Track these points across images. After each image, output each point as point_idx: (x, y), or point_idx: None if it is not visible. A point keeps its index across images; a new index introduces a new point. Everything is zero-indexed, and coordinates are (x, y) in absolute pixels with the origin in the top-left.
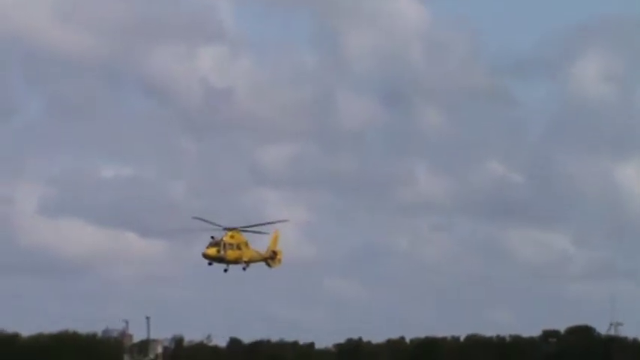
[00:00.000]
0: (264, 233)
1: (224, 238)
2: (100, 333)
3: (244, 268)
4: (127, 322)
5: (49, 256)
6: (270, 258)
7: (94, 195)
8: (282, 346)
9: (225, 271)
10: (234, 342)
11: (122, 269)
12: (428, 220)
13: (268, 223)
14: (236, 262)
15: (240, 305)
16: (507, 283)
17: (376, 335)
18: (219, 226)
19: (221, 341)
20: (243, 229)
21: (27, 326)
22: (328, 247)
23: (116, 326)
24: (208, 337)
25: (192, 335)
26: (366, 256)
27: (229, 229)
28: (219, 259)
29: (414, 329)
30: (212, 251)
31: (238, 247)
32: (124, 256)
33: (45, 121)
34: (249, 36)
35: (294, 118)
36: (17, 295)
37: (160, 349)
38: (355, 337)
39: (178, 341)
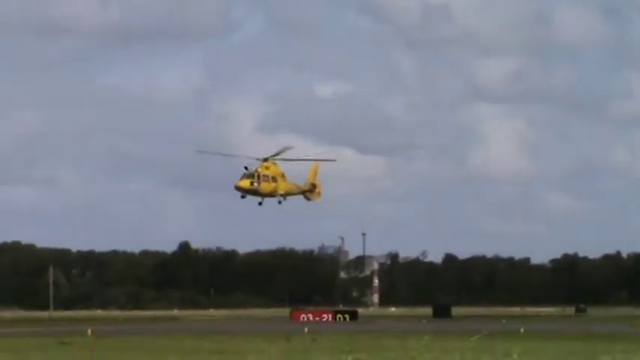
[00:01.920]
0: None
1: (258, 169)
2: (316, 250)
3: (280, 202)
4: (342, 239)
5: None
6: (309, 191)
7: (312, 112)
8: (497, 261)
9: (260, 204)
10: (449, 258)
11: (339, 186)
12: None
13: (312, 159)
14: (271, 195)
15: (456, 221)
16: None
17: (593, 250)
18: (241, 156)
19: (436, 257)
20: (279, 159)
21: (244, 244)
22: (545, 162)
23: (332, 243)
24: (423, 253)
25: (408, 251)
26: (583, 171)
27: (264, 160)
28: (253, 192)
29: (631, 244)
30: (245, 183)
31: (274, 179)
32: (340, 173)
33: (263, 39)
34: None
35: (512, 33)
36: (236, 212)
37: (375, 266)
38: (571, 252)
39: (394, 257)
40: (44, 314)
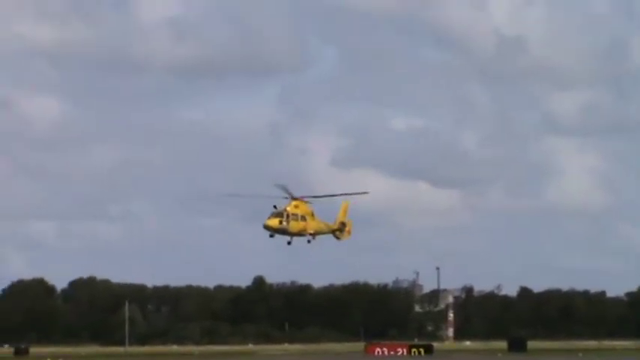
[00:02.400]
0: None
1: (287, 208)
2: (390, 284)
3: (309, 241)
4: (417, 273)
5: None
6: (339, 230)
7: (386, 146)
8: (572, 294)
9: (289, 243)
10: (524, 291)
11: (414, 220)
12: None
13: (345, 194)
14: (300, 234)
15: (530, 254)
16: None
17: None
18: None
19: (511, 291)
20: (312, 198)
21: (318, 278)
22: (621, 194)
23: (407, 277)
24: (498, 286)
25: (482, 285)
26: None
27: (294, 199)
28: (282, 231)
29: None
30: (274, 222)
31: (303, 219)
32: (415, 207)
33: (338, 73)
34: None
35: (587, 64)
36: (311, 246)
37: (450, 299)
38: None
39: (468, 291)
40: (120, 350)
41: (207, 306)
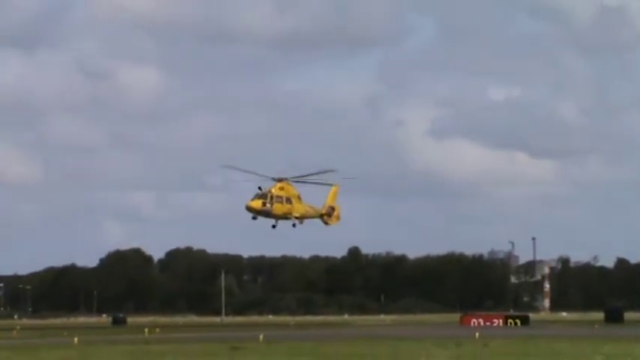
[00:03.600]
0: (325, 184)
1: (272, 190)
2: (485, 255)
3: (294, 225)
4: (512, 244)
5: (438, 178)
6: (327, 214)
7: (483, 116)
8: None
9: (274, 227)
10: (621, 262)
11: (510, 190)
12: None
13: (320, 172)
14: (285, 217)
15: (628, 225)
16: None
17: None
18: (260, 175)
19: (608, 262)
20: (297, 180)
21: (414, 248)
22: None
23: (502, 247)
24: (595, 257)
25: (579, 256)
26: None
27: (279, 180)
28: (265, 213)
29: None
30: (257, 204)
31: (288, 201)
32: (512, 177)
33: (436, 44)
34: None
35: None
36: (406, 217)
37: (546, 270)
38: None
39: (565, 262)
40: (216, 320)
41: (303, 276)
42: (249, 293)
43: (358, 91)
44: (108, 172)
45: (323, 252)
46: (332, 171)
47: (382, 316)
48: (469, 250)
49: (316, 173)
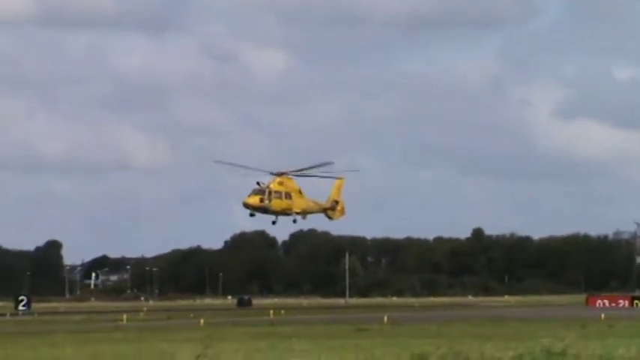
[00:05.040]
0: (329, 177)
1: (270, 185)
2: (611, 235)
3: (294, 221)
4: (638, 224)
5: (563, 158)
6: (331, 209)
7: (609, 97)
8: None
9: (274, 223)
10: None
11: (636, 170)
12: None
13: (319, 165)
14: (284, 213)
15: None
16: None
17: None
18: (255, 169)
19: None
20: (298, 174)
21: (539, 229)
22: None
23: (627, 228)
24: None
25: None
26: None
27: (279, 174)
28: (263, 210)
29: None
30: (254, 200)
31: (287, 196)
32: (638, 158)
33: (561, 24)
34: None
35: None
36: (530, 198)
37: None
38: None
39: None
40: (340, 301)
41: (427, 258)
42: (373, 275)
43: (482, 71)
44: (234, 154)
45: (447, 233)
46: (330, 163)
47: (506, 297)
48: (594, 230)
49: (314, 167)
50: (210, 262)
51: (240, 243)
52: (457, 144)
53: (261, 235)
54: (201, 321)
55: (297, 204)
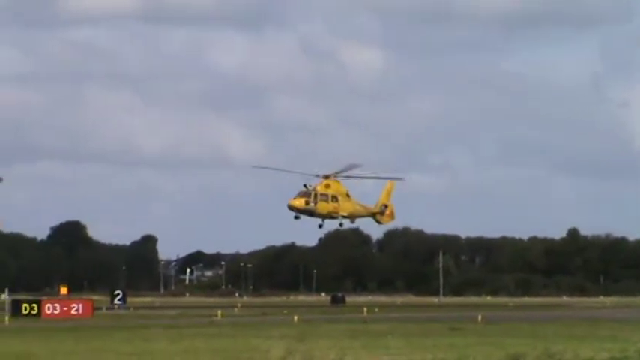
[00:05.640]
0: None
1: (317, 188)
2: None
3: (341, 224)
4: None
5: None
6: (380, 213)
7: None
8: None
9: (320, 226)
10: None
11: None
12: None
13: (347, 168)
14: (330, 216)
15: None
16: None
17: None
18: (296, 172)
19: None
20: (346, 177)
21: (635, 230)
22: None
23: None
24: None
25: None
26: None
27: (325, 177)
28: (309, 213)
29: None
30: (299, 203)
31: (334, 199)
32: None
33: None
34: None
35: None
36: (627, 198)
37: None
38: None
39: None
40: (434, 299)
41: (521, 257)
42: (467, 273)
43: (582, 71)
44: (330, 152)
45: (541, 233)
46: (359, 166)
47: (602, 298)
48: None
49: (344, 170)
50: (305, 259)
51: (334, 240)
52: (553, 143)
53: (356, 232)
54: (295, 317)
55: (344, 207)
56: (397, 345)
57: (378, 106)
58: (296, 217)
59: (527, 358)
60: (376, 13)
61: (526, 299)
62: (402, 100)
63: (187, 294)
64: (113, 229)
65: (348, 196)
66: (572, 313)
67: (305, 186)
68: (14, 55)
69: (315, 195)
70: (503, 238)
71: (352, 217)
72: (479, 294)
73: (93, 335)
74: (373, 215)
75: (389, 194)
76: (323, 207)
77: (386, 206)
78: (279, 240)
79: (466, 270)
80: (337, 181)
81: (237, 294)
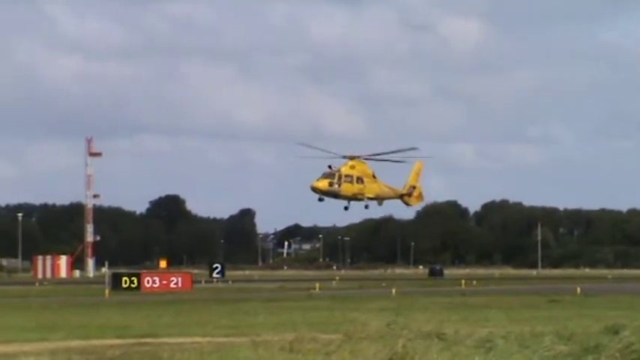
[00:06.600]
0: (403, 162)
1: (342, 169)
2: None
3: (367, 206)
4: None
5: None
6: (408, 194)
7: None
8: None
9: (346, 208)
10: None
11: None
12: None
13: (401, 150)
14: (355, 198)
15: None
16: None
17: None
18: (330, 152)
19: None
20: (372, 158)
21: None
22: None
23: None
24: None
25: None
26: None
27: (351, 158)
28: (333, 194)
29: None
30: (323, 184)
31: (359, 181)
32: None
33: None
34: None
35: None
36: None
37: None
38: None
39: None
40: (532, 272)
41: (620, 229)
42: (566, 246)
43: None
44: (430, 124)
45: None
46: (414, 149)
47: None
48: None
49: (396, 151)
50: (402, 231)
51: (432, 213)
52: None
53: (453, 205)
54: (393, 290)
55: (370, 189)
56: (496, 317)
57: (477, 78)
58: (320, 200)
59: (626, 330)
60: None
61: (625, 271)
62: (500, 72)
63: (285, 267)
64: (212, 202)
65: (374, 177)
66: None
67: (329, 167)
68: (115, 30)
69: (340, 176)
70: (602, 211)
71: (379, 199)
72: (577, 266)
73: (192, 309)
74: (401, 197)
75: (417, 175)
76: (347, 188)
77: (414, 187)
78: (376, 213)
79: (564, 243)
80: (363, 162)
81: (334, 267)
